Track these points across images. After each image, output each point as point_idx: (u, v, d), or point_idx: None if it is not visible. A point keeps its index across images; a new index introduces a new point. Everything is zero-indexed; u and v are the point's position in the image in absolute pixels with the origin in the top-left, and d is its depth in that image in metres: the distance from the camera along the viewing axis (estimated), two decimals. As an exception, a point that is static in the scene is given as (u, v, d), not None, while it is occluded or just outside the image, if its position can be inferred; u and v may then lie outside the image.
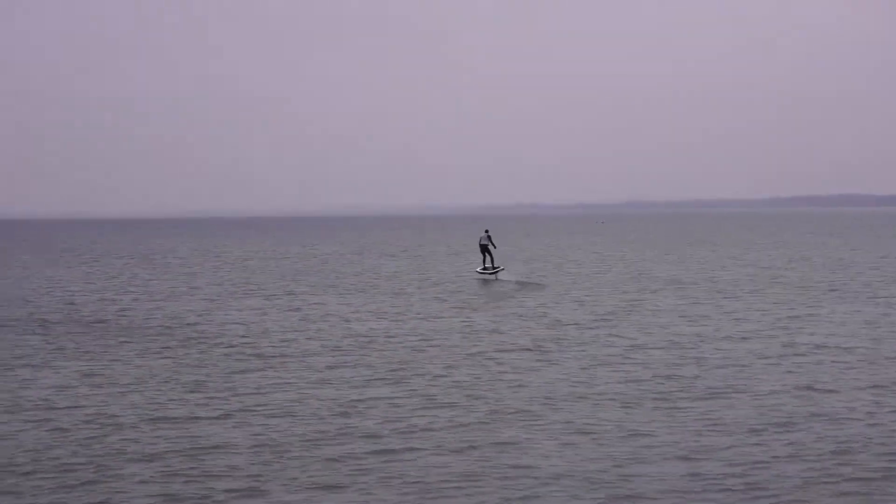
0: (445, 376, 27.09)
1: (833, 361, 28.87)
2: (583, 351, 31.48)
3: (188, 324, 39.94)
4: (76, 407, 23.50)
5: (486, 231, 63.36)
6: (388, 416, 22.16)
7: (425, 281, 62.32)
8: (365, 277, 66.42)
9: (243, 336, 35.91)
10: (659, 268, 72.95)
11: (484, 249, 62.26)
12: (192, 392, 25.19)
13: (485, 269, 62.44)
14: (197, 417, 22.29)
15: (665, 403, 23.40)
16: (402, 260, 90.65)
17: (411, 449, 19.44)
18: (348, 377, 27.15)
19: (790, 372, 27.17)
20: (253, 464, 18.49)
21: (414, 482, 17.34)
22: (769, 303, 45.94)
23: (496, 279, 60.99)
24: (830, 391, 24.61)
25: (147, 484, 17.37)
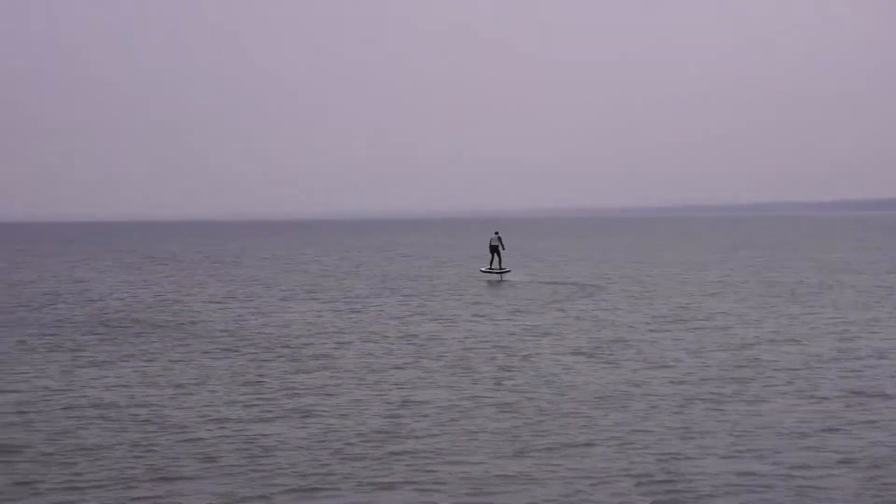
0: (500, 378, 27.31)
1: (891, 367, 28.76)
2: (638, 353, 31.58)
3: (248, 325, 40.44)
4: (137, 406, 23.96)
5: (497, 233, 65.91)
6: (442, 418, 22.42)
7: (478, 283, 62.56)
8: (416, 280, 66.72)
9: (300, 337, 36.33)
10: (710, 271, 72.61)
11: (493, 250, 64.72)
12: (250, 393, 25.59)
13: (490, 269, 65.21)
14: (255, 418, 22.67)
15: (718, 405, 23.48)
16: (448, 262, 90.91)
17: (465, 450, 19.69)
18: (404, 378, 27.44)
19: (845, 377, 27.11)
20: (310, 464, 18.81)
21: (468, 482, 17.57)
22: (827, 306, 45.72)
23: (501, 279, 63.57)
24: (886, 397, 24.55)
25: (205, 483, 17.73)
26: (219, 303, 50.98)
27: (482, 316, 43.13)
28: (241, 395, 25.36)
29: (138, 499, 16.91)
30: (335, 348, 33.43)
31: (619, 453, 19.30)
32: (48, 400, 24.83)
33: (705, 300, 49.47)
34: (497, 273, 64.88)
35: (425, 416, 22.65)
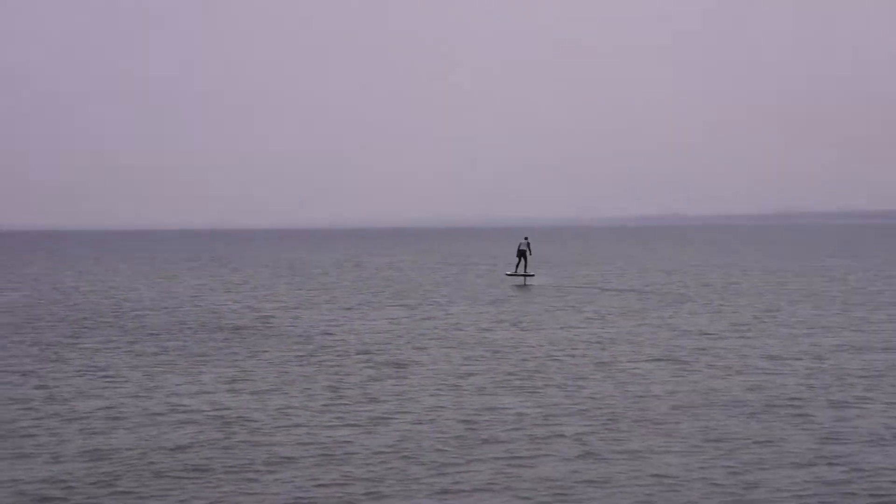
0: (575, 384, 27.30)
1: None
2: (716, 360, 31.40)
3: (325, 332, 40.77)
4: (219, 409, 24.28)
5: (526, 238, 68.92)
6: (518, 423, 22.45)
7: (556, 291, 62.55)
8: (494, 289, 66.81)
9: (377, 343, 36.55)
10: (794, 279, 71.87)
11: (521, 254, 67.73)
12: (327, 397, 25.81)
13: (516, 272, 69.30)
14: (332, 422, 22.86)
15: (795, 411, 23.31)
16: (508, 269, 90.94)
17: (540, 455, 19.71)
18: (479, 385, 27.51)
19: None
20: (385, 469, 18.95)
21: (544, 488, 17.60)
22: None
23: (525, 283, 67.02)
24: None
25: (283, 486, 17.94)
26: (294, 308, 51.44)
27: (564, 323, 43.10)
28: (319, 399, 25.59)
29: (218, 500, 17.16)
30: (412, 354, 33.59)
31: (695, 459, 19.22)
32: (134, 405, 25.23)
33: (787, 307, 49.03)
34: (522, 276, 68.53)
35: (502, 422, 22.69)
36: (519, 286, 66.01)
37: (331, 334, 39.90)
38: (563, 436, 21.22)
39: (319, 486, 17.96)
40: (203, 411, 24.27)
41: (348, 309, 51.33)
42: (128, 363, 32.43)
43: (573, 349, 34.44)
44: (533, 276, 69.60)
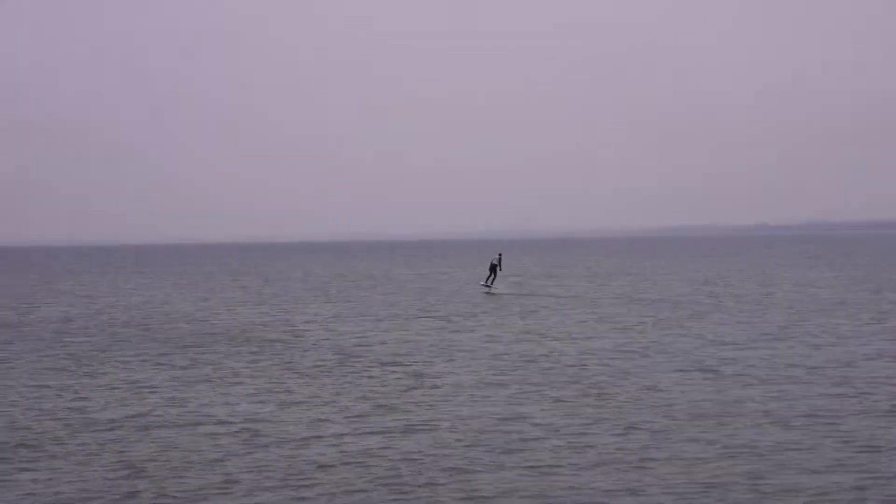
0: (603, 393, 27.52)
1: None
2: (744, 368, 31.57)
3: (354, 342, 41.10)
4: (250, 421, 24.61)
5: (500, 254, 75.60)
6: (547, 433, 22.65)
7: (582, 302, 62.82)
8: (526, 300, 67.06)
9: (407, 354, 36.84)
10: (825, 290, 71.74)
11: (492, 269, 73.26)
12: (359, 407, 26.12)
13: (486, 283, 74.39)
14: (362, 431, 23.16)
15: (822, 420, 23.49)
16: (554, 281, 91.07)
17: (566, 465, 19.95)
18: (512, 393, 27.76)
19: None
20: (414, 477, 19.21)
21: (578, 496, 17.82)
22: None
23: (490, 293, 72.18)
24: None
25: (314, 494, 18.25)
26: (326, 321, 51.79)
27: (591, 334, 43.32)
28: (350, 409, 25.87)
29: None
30: (441, 365, 33.86)
31: (724, 467, 19.42)
32: (164, 415, 25.59)
33: (814, 317, 49.09)
34: (486, 286, 73.97)
35: (532, 429, 22.92)
36: (492, 294, 71.29)
37: (359, 345, 40.23)
38: (593, 446, 21.42)
39: (352, 492, 18.26)
40: (234, 422, 24.60)
41: (381, 320, 51.70)
42: (157, 373, 32.87)
43: (601, 358, 34.67)
44: (496, 290, 73.40)
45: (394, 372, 32.48)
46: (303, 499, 17.93)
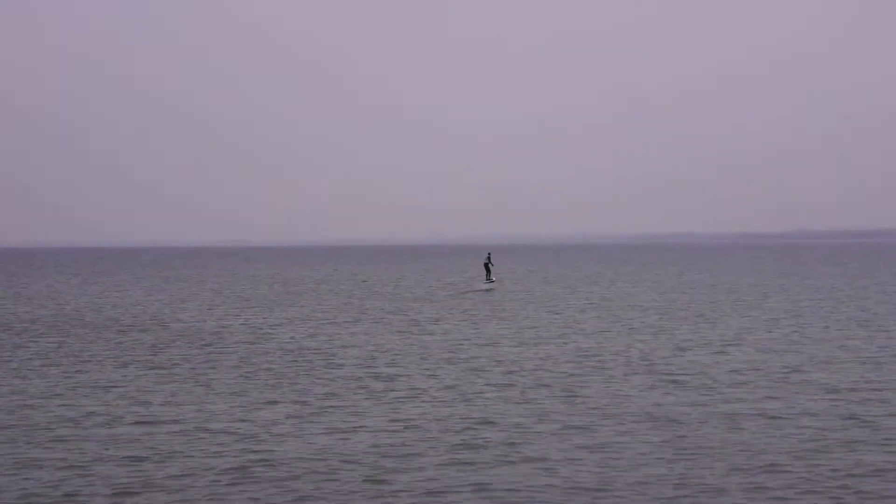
0: (526, 393, 28.22)
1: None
2: (679, 373, 32.38)
3: (311, 346, 41.58)
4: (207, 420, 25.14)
5: (489, 254, 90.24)
6: (515, 437, 23.15)
7: (587, 304, 63.46)
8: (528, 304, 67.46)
9: (372, 358, 37.39)
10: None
11: (486, 267, 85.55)
12: (332, 409, 26.74)
13: (488, 280, 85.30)
14: (332, 431, 23.77)
15: (857, 422, 24.26)
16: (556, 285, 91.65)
17: (530, 459, 20.64)
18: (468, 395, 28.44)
19: (868, 399, 27.54)
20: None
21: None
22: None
23: (489, 289, 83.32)
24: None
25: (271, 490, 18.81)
26: (355, 328, 52.11)
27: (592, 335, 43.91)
28: (320, 411, 26.36)
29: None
30: (423, 372, 34.37)
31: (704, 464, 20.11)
32: (179, 422, 25.36)
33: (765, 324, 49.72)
34: (488, 283, 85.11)
35: (495, 434, 23.36)
36: (486, 290, 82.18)
37: (328, 349, 40.69)
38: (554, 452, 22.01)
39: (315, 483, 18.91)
40: (186, 420, 25.07)
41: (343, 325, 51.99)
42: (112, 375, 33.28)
43: (606, 358, 35.55)
44: (493, 281, 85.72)
45: (353, 374, 33.07)
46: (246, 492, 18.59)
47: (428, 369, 34.02)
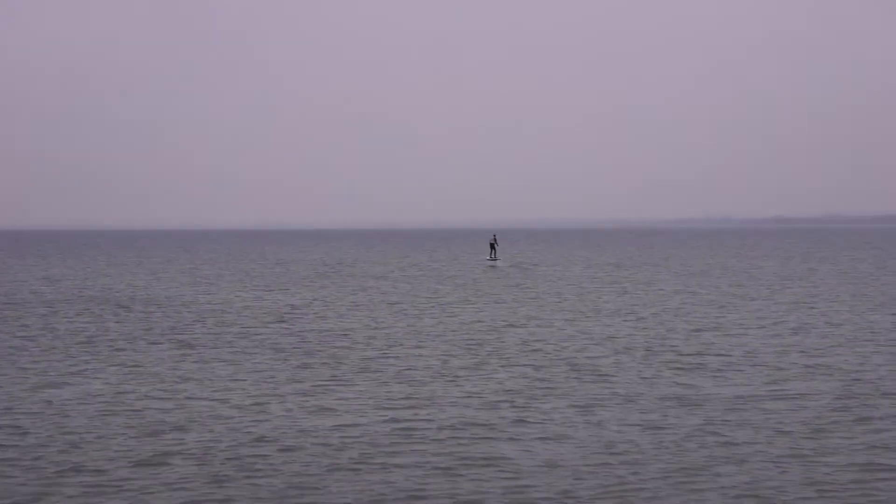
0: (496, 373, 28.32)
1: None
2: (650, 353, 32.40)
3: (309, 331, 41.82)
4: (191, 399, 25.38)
5: (494, 235, 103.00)
6: (533, 416, 23.41)
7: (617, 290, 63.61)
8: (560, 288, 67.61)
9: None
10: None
11: (491, 246, 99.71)
12: (340, 397, 26.85)
13: (491, 258, 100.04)
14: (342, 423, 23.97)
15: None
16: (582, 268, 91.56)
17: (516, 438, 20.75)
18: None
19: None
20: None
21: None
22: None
23: (493, 266, 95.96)
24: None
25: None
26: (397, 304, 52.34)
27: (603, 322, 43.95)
28: (327, 400, 26.15)
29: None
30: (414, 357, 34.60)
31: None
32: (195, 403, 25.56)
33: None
34: (492, 261, 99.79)
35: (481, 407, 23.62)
36: (492, 268, 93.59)
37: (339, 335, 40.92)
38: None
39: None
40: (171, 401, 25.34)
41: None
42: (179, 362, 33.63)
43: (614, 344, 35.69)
44: (498, 260, 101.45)
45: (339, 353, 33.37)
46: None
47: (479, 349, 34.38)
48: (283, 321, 45.11)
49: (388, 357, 33.01)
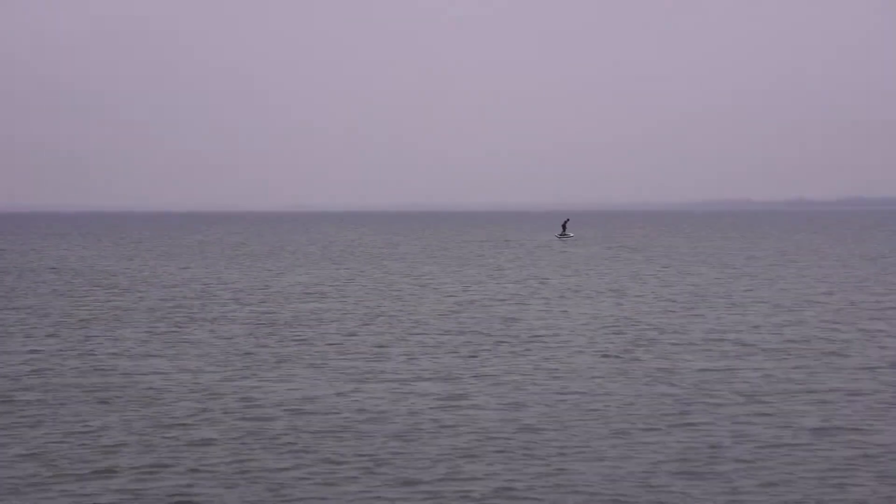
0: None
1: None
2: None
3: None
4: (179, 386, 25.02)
5: (567, 219, 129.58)
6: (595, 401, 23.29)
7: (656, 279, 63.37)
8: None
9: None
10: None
11: (563, 226, 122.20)
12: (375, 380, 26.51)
13: (563, 234, 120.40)
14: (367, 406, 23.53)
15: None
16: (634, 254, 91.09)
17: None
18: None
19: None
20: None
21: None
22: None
23: (564, 241, 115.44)
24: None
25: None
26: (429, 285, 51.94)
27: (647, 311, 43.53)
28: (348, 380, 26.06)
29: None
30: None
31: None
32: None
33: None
34: (562, 236, 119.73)
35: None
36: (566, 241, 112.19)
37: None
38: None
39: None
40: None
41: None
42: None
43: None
44: (572, 236, 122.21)
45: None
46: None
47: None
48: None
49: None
